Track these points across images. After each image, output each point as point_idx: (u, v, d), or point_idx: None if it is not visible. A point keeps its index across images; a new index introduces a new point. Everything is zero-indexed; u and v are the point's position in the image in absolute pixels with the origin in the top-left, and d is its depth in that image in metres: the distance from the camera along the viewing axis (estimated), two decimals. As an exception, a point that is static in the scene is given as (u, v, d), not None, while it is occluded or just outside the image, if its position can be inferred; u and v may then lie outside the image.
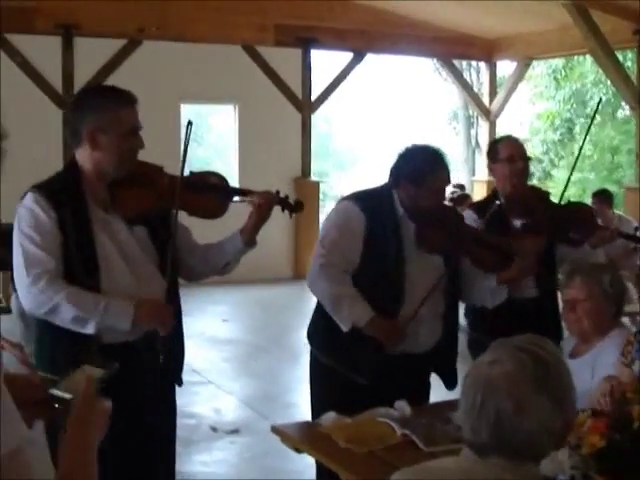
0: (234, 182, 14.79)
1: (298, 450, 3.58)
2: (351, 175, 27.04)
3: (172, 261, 3.48)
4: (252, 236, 3.68)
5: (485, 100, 14.78)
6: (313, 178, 14.05)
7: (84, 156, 3.47)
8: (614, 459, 2.55)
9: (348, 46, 13.42)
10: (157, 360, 3.44)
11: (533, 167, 22.01)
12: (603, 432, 2.60)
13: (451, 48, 13.88)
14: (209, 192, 3.68)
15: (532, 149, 21.50)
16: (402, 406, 3.71)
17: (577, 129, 22.15)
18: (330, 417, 3.59)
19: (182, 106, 14.27)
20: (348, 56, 13.78)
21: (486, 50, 14.12)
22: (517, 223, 4.78)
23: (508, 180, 4.92)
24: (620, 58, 12.36)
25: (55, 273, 3.32)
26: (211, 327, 10.23)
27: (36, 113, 12.12)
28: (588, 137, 21.89)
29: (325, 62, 15.43)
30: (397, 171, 4.22)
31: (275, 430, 3.62)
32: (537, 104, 23.91)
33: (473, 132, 23.06)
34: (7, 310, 8.38)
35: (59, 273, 3.34)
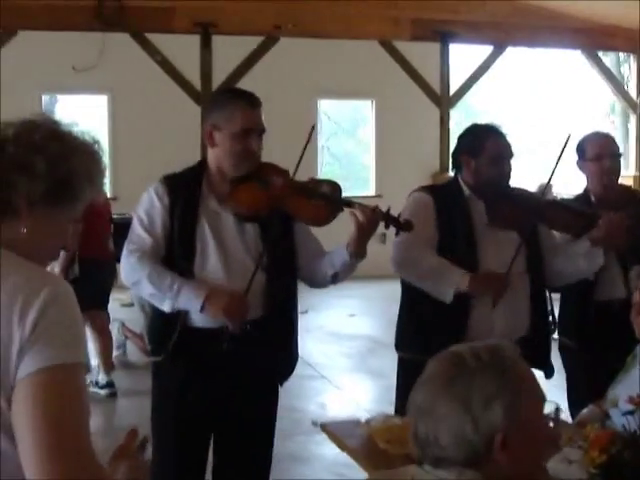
0: (371, 177, 14.87)
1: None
2: (517, 168, 26.56)
3: (277, 260, 3.66)
4: (358, 249, 3.66)
5: (633, 93, 14.27)
6: (452, 173, 13.85)
7: (209, 152, 3.74)
8: (616, 474, 2.41)
9: (486, 39, 13.21)
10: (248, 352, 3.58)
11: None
12: (604, 446, 2.46)
13: (594, 39, 13.46)
14: (319, 200, 3.73)
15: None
16: None
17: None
18: (380, 417, 3.54)
19: (319, 102, 14.40)
20: (487, 50, 13.57)
21: (631, 40, 13.60)
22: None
23: (597, 179, 4.77)
24: None
25: (150, 253, 3.61)
26: (336, 322, 10.28)
27: (176, 111, 12.45)
28: None
29: (463, 56, 15.20)
30: (456, 152, 4.29)
31: (322, 427, 3.60)
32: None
33: (630, 126, 22.31)
34: (131, 304, 8.70)
35: (154, 253, 3.62)
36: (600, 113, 25.16)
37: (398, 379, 4.37)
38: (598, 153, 4.72)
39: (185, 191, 3.66)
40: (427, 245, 4.12)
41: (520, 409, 1.90)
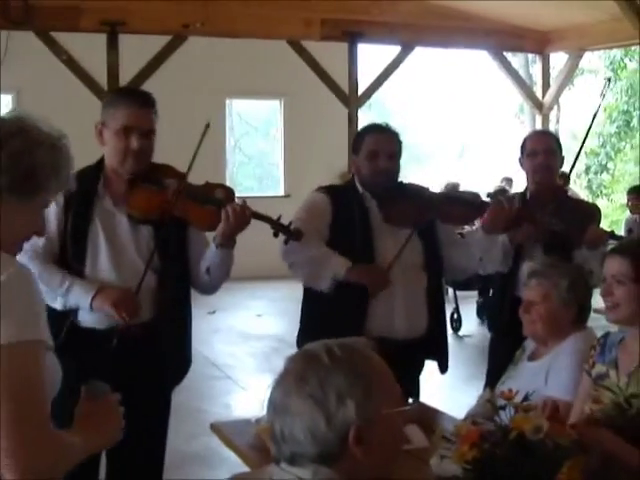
0: (280, 177, 14.92)
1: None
2: (427, 169, 26.94)
3: (168, 262, 3.70)
4: (224, 241, 3.71)
5: (538, 93, 14.52)
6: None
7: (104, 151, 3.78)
8: (488, 470, 2.46)
9: (396, 39, 13.25)
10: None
11: (589, 160, 21.70)
12: (475, 442, 2.50)
13: (502, 41, 13.61)
14: (211, 205, 3.74)
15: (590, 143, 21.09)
16: None
17: (635, 122, 21.58)
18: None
19: (229, 101, 14.38)
20: (396, 50, 13.65)
21: (538, 42, 13.85)
22: None
23: (531, 176, 4.88)
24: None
25: (43, 252, 3.61)
26: (244, 322, 10.28)
27: (83, 111, 12.23)
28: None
29: (375, 56, 15.32)
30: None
31: (212, 427, 3.60)
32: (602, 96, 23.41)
33: (537, 126, 22.74)
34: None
35: (47, 253, 3.63)
36: (510, 113, 25.56)
37: None
38: (532, 149, 4.83)
39: (80, 190, 3.64)
40: (314, 235, 4.15)
41: (373, 404, 1.91)
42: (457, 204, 4.38)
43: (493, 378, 4.89)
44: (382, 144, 4.23)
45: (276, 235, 3.87)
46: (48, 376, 2.05)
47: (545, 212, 4.73)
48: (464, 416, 3.56)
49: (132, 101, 3.69)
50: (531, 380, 3.59)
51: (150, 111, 3.72)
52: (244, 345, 9.24)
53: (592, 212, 4.99)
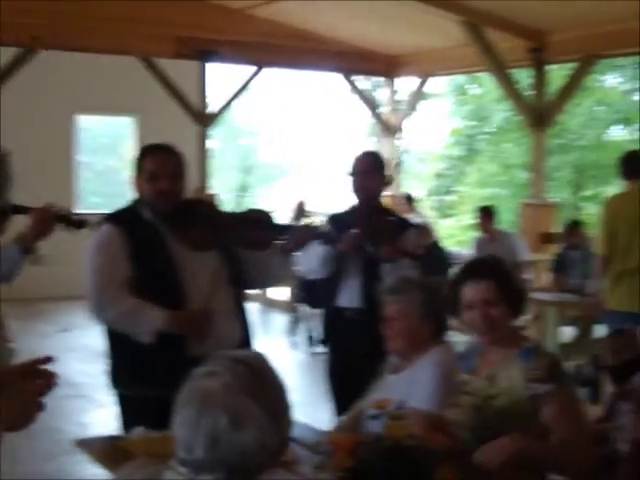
0: (132, 196, 14.63)
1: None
2: (274, 189, 27.05)
3: None
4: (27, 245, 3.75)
5: (387, 116, 14.88)
6: (212, 191, 13.95)
7: None
8: (363, 478, 2.53)
9: (248, 59, 13.38)
10: None
11: (439, 183, 22.41)
12: (351, 450, 2.58)
13: (352, 63, 13.92)
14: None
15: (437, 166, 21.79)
16: None
17: (481, 145, 22.41)
18: (137, 432, 3.52)
19: (78, 117, 14.15)
20: (252, 69, 13.77)
21: (387, 66, 14.21)
22: None
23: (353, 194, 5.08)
24: (520, 76, 12.54)
25: None
26: (98, 340, 10.08)
27: None
28: (495, 154, 22.24)
29: (229, 75, 15.41)
30: None
31: (79, 444, 3.55)
32: (448, 120, 24.24)
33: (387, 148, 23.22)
34: None
35: None
36: (363, 134, 26.03)
37: (123, 416, 4.15)
38: (353, 169, 5.00)
39: None
40: (122, 284, 3.95)
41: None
42: (254, 226, 4.24)
43: (334, 391, 5.09)
44: (163, 165, 4.04)
45: (68, 227, 3.90)
46: None
47: (361, 229, 4.96)
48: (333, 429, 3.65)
49: None
50: (395, 393, 3.67)
51: None
52: (99, 363, 9.06)
53: (400, 229, 5.16)
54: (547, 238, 11.54)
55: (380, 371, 4.10)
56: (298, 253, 4.60)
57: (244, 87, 13.93)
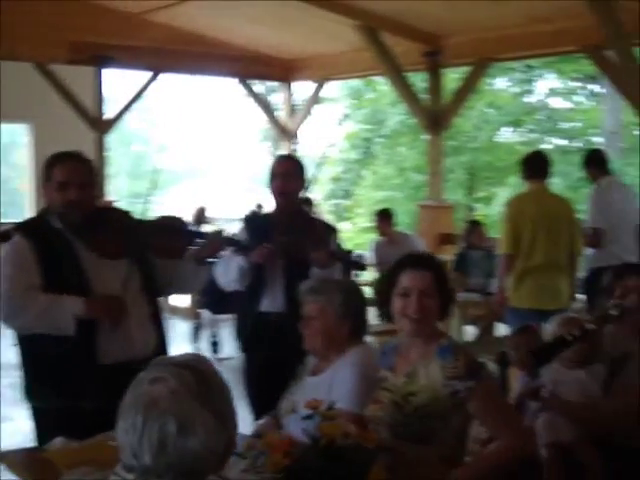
0: (26, 203, 14.44)
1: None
2: (167, 196, 26.85)
3: None
4: None
5: (284, 120, 14.91)
6: (110, 198, 13.74)
7: None
8: (300, 476, 2.55)
9: (144, 64, 13.24)
10: None
11: (335, 186, 22.59)
12: (287, 450, 2.59)
13: (248, 68, 13.91)
14: None
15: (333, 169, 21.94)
16: None
17: (377, 148, 22.64)
18: (57, 442, 3.47)
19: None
20: (148, 74, 13.63)
21: (282, 70, 14.24)
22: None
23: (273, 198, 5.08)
24: (417, 79, 12.70)
25: None
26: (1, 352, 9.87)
27: None
28: (390, 157, 22.56)
29: (126, 80, 15.26)
30: None
31: (1, 457, 3.48)
32: (344, 124, 24.44)
33: (283, 152, 23.28)
34: None
35: None
36: (256, 139, 26.09)
37: (37, 428, 4.05)
38: (273, 173, 5.00)
39: None
40: (33, 290, 3.88)
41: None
42: (166, 234, 4.20)
43: (252, 395, 5.09)
44: (72, 174, 3.95)
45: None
46: None
47: (281, 233, 4.98)
48: (251, 433, 3.65)
49: None
50: (314, 394, 3.68)
51: None
52: (4, 376, 8.87)
53: (325, 233, 5.23)
54: (445, 239, 11.72)
55: (299, 373, 4.12)
56: (214, 261, 4.59)
57: (140, 93, 13.78)
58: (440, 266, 3.51)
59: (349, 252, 5.67)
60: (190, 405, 1.97)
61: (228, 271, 4.97)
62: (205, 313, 10.73)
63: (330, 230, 5.31)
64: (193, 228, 4.43)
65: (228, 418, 2.04)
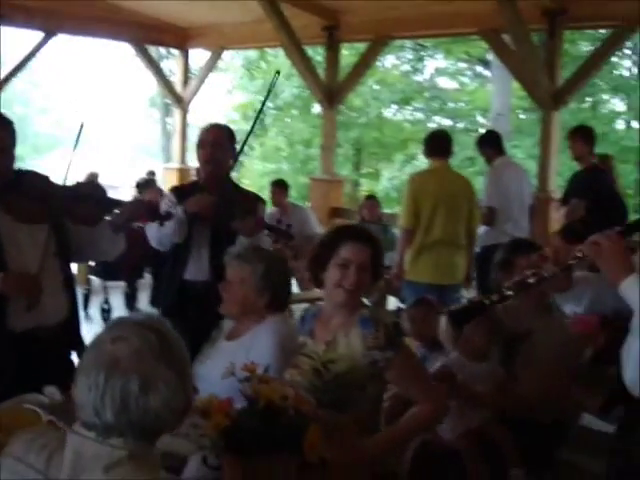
0: None
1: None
2: (48, 160, 26.27)
3: None
4: None
5: (178, 88, 14.79)
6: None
7: None
8: (240, 436, 2.62)
9: (37, 25, 12.88)
10: None
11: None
12: (227, 411, 2.66)
13: (144, 34, 13.68)
14: None
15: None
16: (52, 392, 3.53)
17: (268, 120, 22.66)
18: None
19: None
20: (40, 35, 13.28)
21: (179, 38, 14.10)
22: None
23: (201, 166, 5.11)
24: (313, 53, 12.75)
25: None
26: None
27: None
28: (281, 130, 22.59)
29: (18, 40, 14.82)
30: None
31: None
32: (235, 95, 24.36)
33: (170, 120, 23.06)
34: None
35: None
36: (142, 105, 25.78)
37: None
38: (200, 141, 5.07)
39: None
40: None
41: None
42: (84, 200, 4.10)
43: None
44: None
45: None
46: None
47: None
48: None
49: None
50: (232, 358, 3.71)
51: None
52: None
53: (253, 202, 5.29)
54: (336, 213, 11.86)
55: (214, 336, 4.15)
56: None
57: (32, 55, 13.41)
58: (378, 243, 3.59)
59: (278, 221, 5.73)
60: (152, 364, 2.02)
61: (163, 227, 4.91)
62: (95, 280, 10.64)
63: (257, 200, 5.36)
64: (112, 197, 4.37)
65: (187, 378, 2.09)
